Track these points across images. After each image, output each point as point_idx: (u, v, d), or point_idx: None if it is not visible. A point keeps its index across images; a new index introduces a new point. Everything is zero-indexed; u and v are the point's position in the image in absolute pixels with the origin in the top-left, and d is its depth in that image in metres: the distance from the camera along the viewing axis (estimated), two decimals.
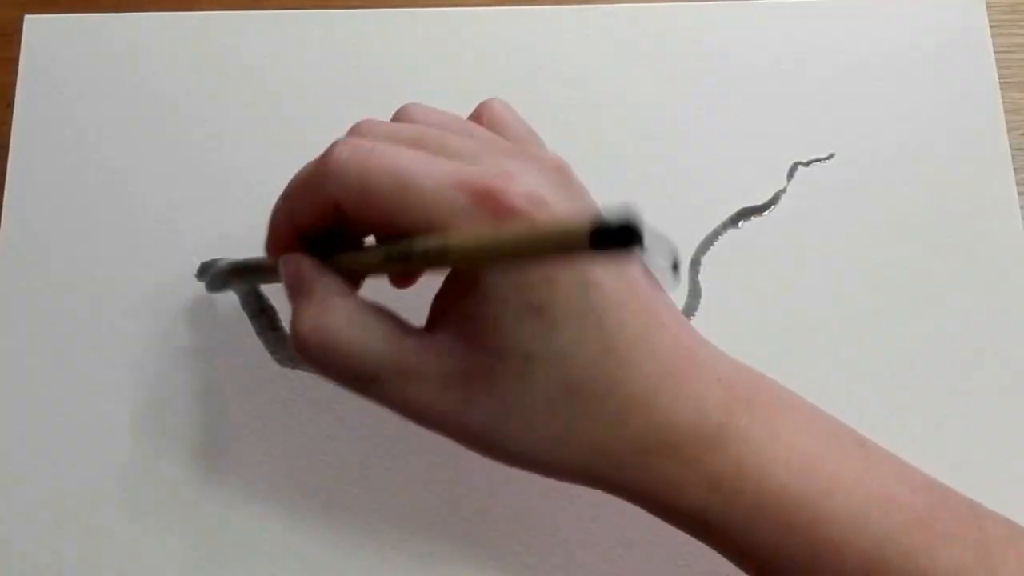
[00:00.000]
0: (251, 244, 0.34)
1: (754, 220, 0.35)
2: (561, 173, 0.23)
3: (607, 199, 0.35)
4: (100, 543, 0.32)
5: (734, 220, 0.35)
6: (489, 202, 0.21)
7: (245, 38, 0.37)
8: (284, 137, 0.36)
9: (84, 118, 0.36)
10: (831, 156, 0.36)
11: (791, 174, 0.35)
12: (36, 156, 0.35)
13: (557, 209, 0.21)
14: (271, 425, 0.33)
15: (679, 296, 0.34)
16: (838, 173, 0.35)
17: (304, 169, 0.25)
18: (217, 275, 0.32)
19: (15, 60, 0.36)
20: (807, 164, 0.36)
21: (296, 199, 0.25)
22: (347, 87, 0.36)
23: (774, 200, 0.35)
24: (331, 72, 0.36)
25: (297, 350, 0.24)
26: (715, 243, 0.35)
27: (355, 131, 0.25)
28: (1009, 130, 0.36)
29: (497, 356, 0.22)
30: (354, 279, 0.25)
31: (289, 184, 0.26)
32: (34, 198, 0.35)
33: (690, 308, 0.34)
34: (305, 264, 0.24)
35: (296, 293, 0.24)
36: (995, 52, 0.37)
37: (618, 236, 0.15)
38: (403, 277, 0.27)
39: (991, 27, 0.37)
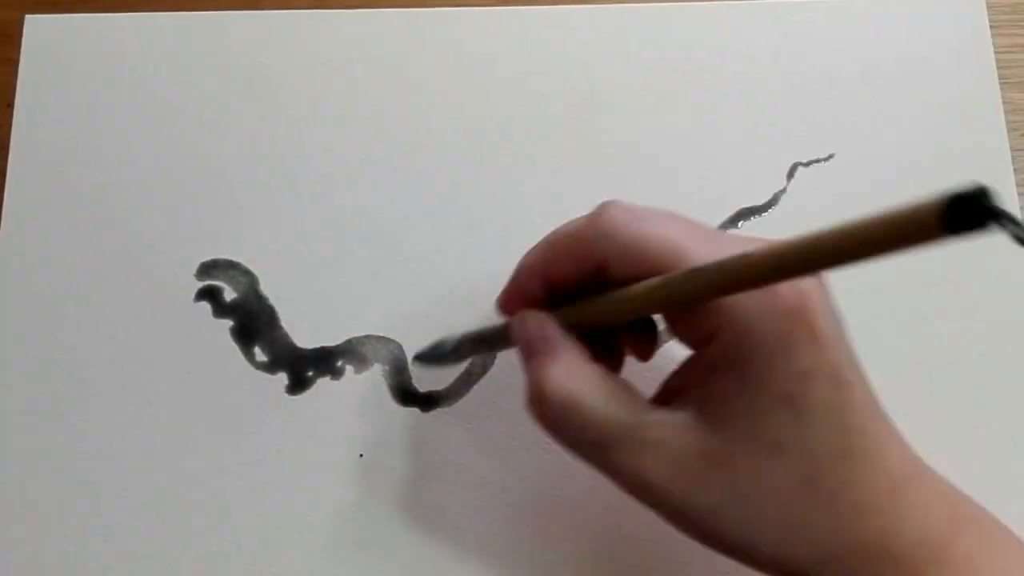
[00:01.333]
0: (251, 244, 0.34)
1: (754, 220, 0.35)
2: None
3: (608, 199, 0.35)
4: (99, 542, 0.32)
5: (734, 220, 0.35)
6: (765, 290, 0.21)
7: (245, 38, 0.37)
8: (284, 137, 0.36)
9: (84, 118, 0.36)
10: (831, 156, 0.36)
11: (791, 174, 0.35)
12: (36, 156, 0.35)
13: (818, 303, 0.22)
14: (272, 424, 0.33)
15: None
16: (838, 173, 0.35)
17: (569, 225, 0.26)
18: (451, 351, 0.31)
19: (15, 60, 0.36)
20: (807, 164, 0.36)
21: (558, 252, 0.26)
22: (347, 87, 0.36)
23: (774, 200, 0.35)
24: (331, 72, 0.36)
25: (536, 408, 0.24)
26: None
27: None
28: (1009, 130, 0.36)
29: (743, 441, 0.22)
30: (583, 331, 0.25)
31: (547, 238, 0.26)
32: (34, 198, 0.35)
33: None
34: (549, 325, 0.25)
35: (537, 353, 0.24)
36: (995, 52, 0.37)
37: (973, 213, 0.14)
38: (647, 346, 0.27)
39: (991, 27, 0.37)
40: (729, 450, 0.22)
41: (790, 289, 0.21)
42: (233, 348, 0.33)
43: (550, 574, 0.31)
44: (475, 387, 0.33)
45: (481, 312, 0.34)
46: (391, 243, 0.35)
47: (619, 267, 0.23)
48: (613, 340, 0.27)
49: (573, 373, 0.24)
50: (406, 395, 0.33)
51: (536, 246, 0.27)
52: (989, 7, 0.37)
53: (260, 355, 0.33)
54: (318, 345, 0.34)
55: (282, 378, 0.33)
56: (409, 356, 0.33)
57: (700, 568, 0.31)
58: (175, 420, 0.33)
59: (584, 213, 0.25)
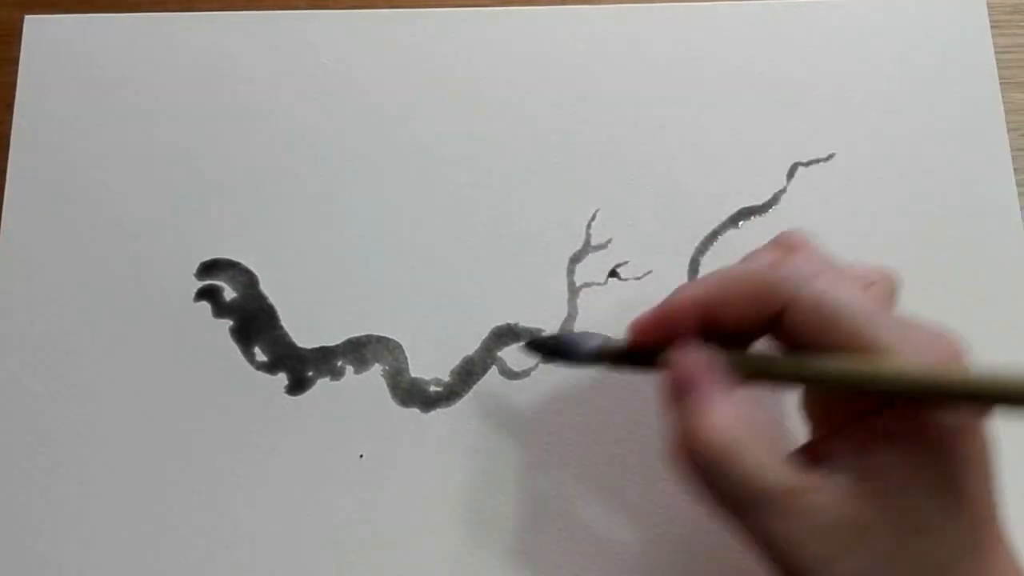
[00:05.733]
0: (251, 244, 0.34)
1: (754, 220, 0.35)
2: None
3: (608, 199, 0.35)
4: (99, 542, 0.32)
5: (734, 220, 0.35)
6: (944, 350, 0.22)
7: (245, 38, 0.37)
8: (284, 137, 0.36)
9: (84, 118, 0.36)
10: (831, 156, 0.36)
11: (791, 174, 0.35)
12: (36, 156, 0.35)
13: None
14: (272, 424, 0.33)
15: None
16: (838, 173, 0.35)
17: (744, 265, 0.25)
18: (592, 354, 0.29)
19: (15, 60, 0.36)
20: (807, 164, 0.36)
21: (733, 290, 0.25)
22: (346, 87, 0.36)
23: (774, 200, 0.35)
24: (330, 72, 0.36)
25: (684, 454, 0.23)
26: (714, 243, 0.35)
27: (793, 243, 0.26)
28: (1009, 130, 0.36)
29: (895, 518, 0.22)
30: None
31: (717, 275, 0.25)
32: (34, 198, 0.35)
33: None
34: (716, 364, 0.24)
35: (694, 391, 0.24)
36: (995, 52, 0.37)
37: None
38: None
39: (991, 27, 0.37)
40: (880, 524, 0.22)
41: (964, 354, 0.22)
42: (233, 348, 0.33)
43: (550, 573, 0.31)
44: (475, 387, 0.33)
45: (481, 312, 0.34)
46: (391, 243, 0.35)
47: (798, 323, 0.23)
48: None
49: (739, 423, 0.23)
50: (406, 395, 0.33)
51: (700, 281, 0.26)
52: (989, 7, 0.37)
53: (260, 355, 0.33)
54: (318, 345, 0.34)
55: (282, 378, 0.33)
56: (409, 356, 0.33)
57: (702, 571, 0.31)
58: (175, 420, 0.33)
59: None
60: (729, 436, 0.22)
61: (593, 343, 0.28)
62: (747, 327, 0.24)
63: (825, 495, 0.22)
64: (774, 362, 0.24)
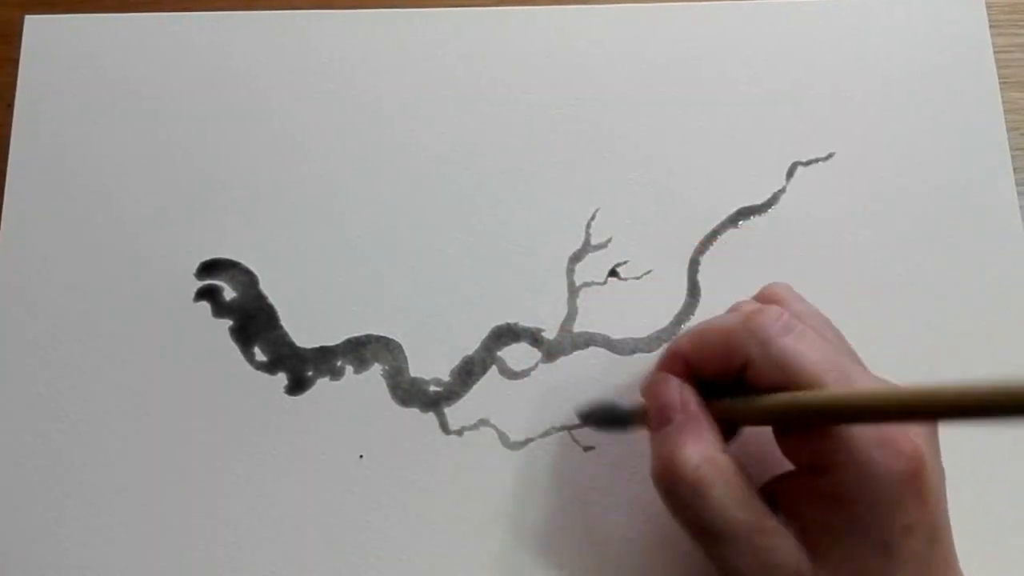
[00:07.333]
0: (251, 244, 0.34)
1: (753, 220, 0.35)
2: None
3: (608, 199, 0.35)
4: (98, 542, 0.32)
5: (733, 220, 0.35)
6: (889, 444, 0.23)
7: (244, 38, 0.37)
8: (284, 137, 0.36)
9: (84, 118, 0.36)
10: (831, 156, 0.36)
11: (791, 174, 0.35)
12: (36, 156, 0.35)
13: (930, 465, 0.24)
14: (272, 425, 0.33)
15: (678, 296, 0.34)
16: (838, 173, 0.35)
17: (723, 319, 0.27)
18: (628, 420, 0.30)
19: (15, 60, 0.37)
20: (807, 164, 0.36)
21: (708, 344, 0.26)
22: (347, 88, 0.36)
23: (773, 200, 0.35)
24: (330, 72, 0.36)
25: (666, 483, 0.25)
26: (714, 243, 0.35)
27: (774, 297, 0.28)
28: (1009, 130, 0.36)
29: (833, 571, 0.24)
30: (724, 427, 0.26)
31: (698, 327, 0.27)
32: (34, 198, 0.35)
33: (689, 308, 0.34)
34: (692, 398, 0.26)
35: (673, 421, 0.26)
36: (995, 52, 0.37)
37: None
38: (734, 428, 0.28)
39: (991, 27, 0.37)
40: (816, 573, 0.24)
41: (908, 446, 0.23)
42: (233, 348, 0.33)
43: (551, 571, 0.31)
44: (475, 387, 0.33)
45: (481, 311, 0.34)
46: (391, 243, 0.35)
47: (761, 373, 0.25)
48: None
49: (711, 460, 0.25)
50: (406, 395, 0.33)
51: (685, 334, 0.27)
52: (989, 7, 0.37)
53: (260, 355, 0.33)
54: (318, 345, 0.34)
55: (282, 378, 0.33)
56: (409, 356, 0.33)
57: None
58: (174, 420, 0.33)
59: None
60: (701, 474, 0.24)
61: (624, 409, 0.30)
62: (725, 377, 0.26)
63: (778, 539, 0.24)
64: (736, 403, 0.26)
